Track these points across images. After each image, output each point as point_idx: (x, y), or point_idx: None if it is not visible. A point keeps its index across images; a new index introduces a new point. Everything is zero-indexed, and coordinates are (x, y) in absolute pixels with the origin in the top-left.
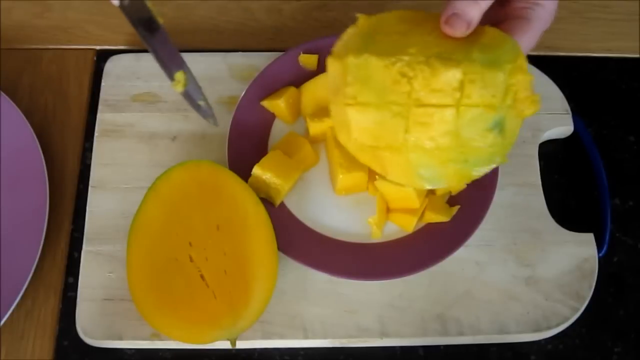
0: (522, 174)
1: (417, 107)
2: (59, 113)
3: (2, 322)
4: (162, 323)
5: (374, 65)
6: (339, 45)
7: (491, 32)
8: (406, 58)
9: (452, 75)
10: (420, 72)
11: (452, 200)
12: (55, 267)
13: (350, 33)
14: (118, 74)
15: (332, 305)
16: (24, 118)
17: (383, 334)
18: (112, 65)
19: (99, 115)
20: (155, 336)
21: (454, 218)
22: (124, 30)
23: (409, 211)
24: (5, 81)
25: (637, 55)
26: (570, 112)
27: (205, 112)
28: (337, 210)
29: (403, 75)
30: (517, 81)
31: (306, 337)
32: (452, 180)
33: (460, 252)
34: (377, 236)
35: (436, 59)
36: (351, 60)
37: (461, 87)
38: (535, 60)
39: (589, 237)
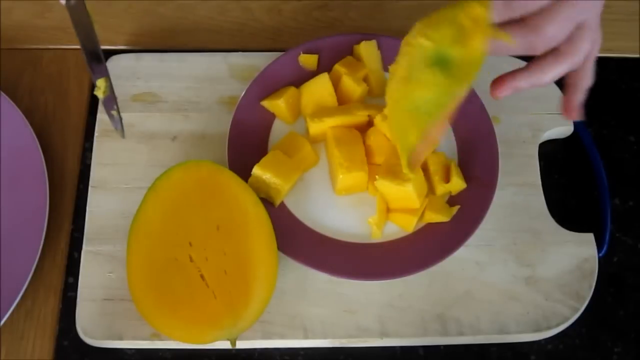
0: (522, 174)
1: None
2: (59, 113)
3: (2, 322)
4: (162, 323)
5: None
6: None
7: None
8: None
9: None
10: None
11: (452, 200)
12: (55, 267)
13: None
14: (118, 74)
15: (332, 305)
16: (24, 118)
17: (383, 334)
18: (112, 65)
19: (99, 115)
20: (155, 336)
21: (454, 218)
22: (124, 30)
23: (409, 211)
24: (5, 81)
25: (637, 55)
26: None
27: (115, 123)
28: (337, 210)
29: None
30: (470, 18)
31: (306, 337)
32: (410, 135)
33: (460, 252)
34: (377, 236)
35: None
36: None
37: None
38: None
39: (589, 237)
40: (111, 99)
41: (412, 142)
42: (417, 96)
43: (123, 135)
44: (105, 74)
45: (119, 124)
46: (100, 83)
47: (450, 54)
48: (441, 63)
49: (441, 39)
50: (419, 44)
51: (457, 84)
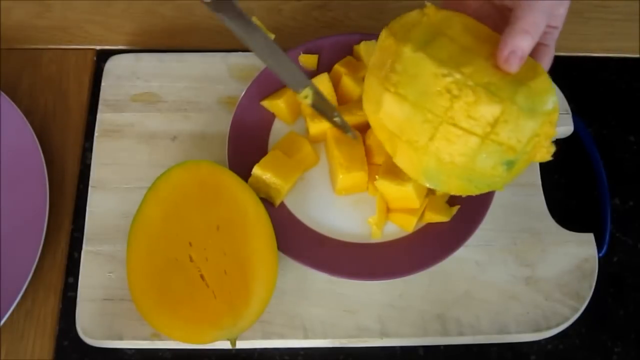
0: (522, 174)
1: (449, 125)
2: (59, 113)
3: (2, 322)
4: (162, 323)
5: (426, 68)
6: (400, 23)
7: (542, 77)
8: (457, 76)
9: (490, 110)
10: (464, 96)
11: (452, 200)
12: (55, 267)
13: (415, 18)
14: (118, 74)
15: (332, 305)
16: (24, 118)
17: (383, 334)
18: (112, 65)
19: (99, 115)
20: (155, 336)
21: (454, 218)
22: (124, 30)
23: (409, 211)
24: (5, 81)
25: (637, 55)
26: (570, 112)
27: (344, 127)
28: (337, 210)
29: (448, 91)
30: (543, 132)
31: (306, 337)
32: (450, 189)
33: (460, 252)
34: (377, 236)
35: (483, 90)
36: (407, 51)
37: (494, 123)
38: None
39: (589, 237)
40: (325, 104)
41: (446, 191)
42: (473, 176)
43: (354, 136)
44: (308, 83)
45: (347, 128)
46: (307, 92)
47: (518, 159)
48: (508, 164)
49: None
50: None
51: (515, 175)
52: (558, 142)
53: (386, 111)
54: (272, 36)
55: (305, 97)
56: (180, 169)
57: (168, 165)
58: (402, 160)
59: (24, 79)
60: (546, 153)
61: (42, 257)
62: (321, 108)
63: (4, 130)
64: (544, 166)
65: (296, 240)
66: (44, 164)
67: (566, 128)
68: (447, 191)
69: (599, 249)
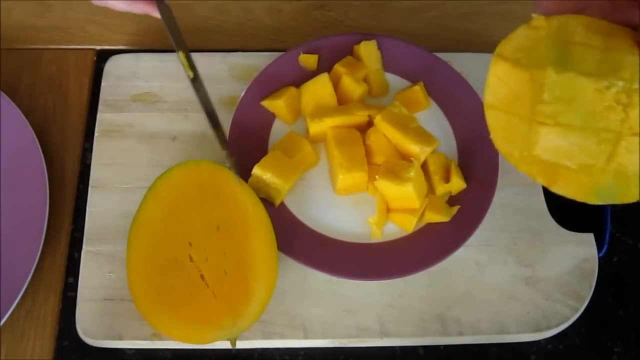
0: (522, 174)
1: (630, 136)
2: (59, 113)
3: (2, 322)
4: (162, 323)
5: (583, 86)
6: (512, 47)
7: None
8: (621, 84)
9: None
10: (637, 101)
11: (452, 200)
12: (55, 267)
13: (526, 35)
14: (118, 74)
15: (332, 305)
16: (24, 118)
17: (383, 334)
18: (112, 65)
19: (99, 115)
20: (155, 336)
21: (454, 218)
22: (124, 30)
23: (409, 211)
24: (5, 81)
25: None
26: None
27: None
28: (337, 210)
29: (618, 102)
30: None
31: (306, 337)
32: (626, 198)
33: (460, 252)
34: (377, 236)
35: None
36: (551, 75)
37: None
38: None
39: (589, 237)
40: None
41: (620, 202)
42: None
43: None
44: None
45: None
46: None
47: None
48: None
49: None
50: None
51: None
52: None
53: (545, 146)
54: (191, 74)
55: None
56: (180, 169)
57: (168, 165)
58: (566, 188)
59: (24, 79)
60: None
61: (42, 257)
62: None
63: (4, 130)
64: None
65: (296, 240)
66: (44, 164)
67: None
68: (621, 201)
69: (599, 249)
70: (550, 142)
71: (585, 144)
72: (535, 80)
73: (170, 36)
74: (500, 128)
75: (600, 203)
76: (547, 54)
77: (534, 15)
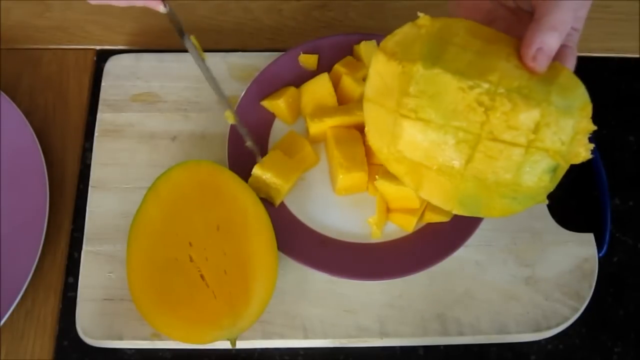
0: None
1: (489, 141)
2: (59, 113)
3: (2, 322)
4: (162, 323)
5: (448, 83)
6: (393, 42)
7: (565, 72)
8: (486, 85)
9: (530, 116)
10: (500, 105)
11: None
12: (55, 267)
13: (408, 32)
14: (118, 74)
15: (332, 305)
16: (24, 118)
17: (383, 334)
18: (112, 65)
19: (99, 115)
20: (155, 336)
21: (454, 218)
22: (124, 30)
23: (409, 211)
24: (5, 81)
25: (637, 55)
26: None
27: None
28: (337, 210)
29: (480, 103)
30: (582, 129)
31: (306, 337)
32: (492, 213)
33: (460, 252)
34: (377, 236)
35: (518, 95)
36: (419, 69)
37: (536, 129)
38: None
39: (589, 237)
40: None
41: (486, 215)
42: (518, 192)
43: (259, 159)
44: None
45: (256, 151)
46: (228, 114)
47: (561, 164)
48: (553, 171)
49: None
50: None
51: (556, 182)
52: None
53: (407, 141)
54: (205, 57)
55: (230, 117)
56: (180, 169)
57: (168, 165)
58: (431, 192)
59: (24, 79)
60: (585, 151)
61: (42, 257)
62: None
63: (4, 130)
64: None
65: (296, 240)
66: (44, 164)
67: None
68: (488, 215)
69: (599, 249)
70: (412, 137)
71: (444, 143)
72: (405, 73)
73: (176, 28)
74: (373, 121)
75: (466, 214)
76: (421, 50)
77: (419, 14)
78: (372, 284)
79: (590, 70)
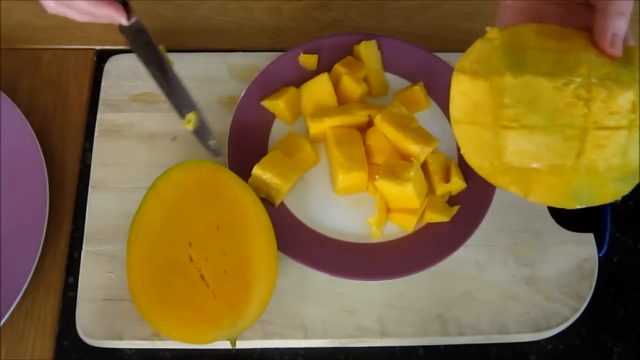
0: None
1: (596, 130)
2: (59, 113)
3: (2, 322)
4: (162, 323)
5: (542, 86)
6: (469, 61)
7: (635, 50)
8: (578, 79)
9: (627, 97)
10: (597, 94)
11: (452, 200)
12: (55, 267)
13: (481, 48)
14: (118, 74)
15: (332, 305)
16: (24, 118)
17: (383, 334)
18: (112, 65)
19: (99, 115)
20: (155, 336)
21: (454, 218)
22: None
23: (409, 211)
24: (5, 81)
25: None
26: None
27: (215, 151)
28: (337, 210)
29: (578, 97)
30: None
31: (306, 337)
32: (606, 198)
33: (460, 252)
34: (377, 236)
35: (610, 81)
36: (509, 80)
37: (634, 108)
38: None
39: (589, 237)
40: (204, 130)
41: (599, 202)
42: (627, 173)
43: (219, 155)
44: (194, 107)
45: (219, 152)
46: (191, 116)
47: None
48: None
49: None
50: None
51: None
52: None
53: (514, 150)
54: (172, 63)
55: (189, 122)
56: (180, 169)
57: (168, 165)
58: (541, 195)
59: (24, 79)
60: None
61: (42, 257)
62: (200, 133)
63: (4, 130)
64: None
65: (296, 240)
66: (44, 164)
67: None
68: (600, 202)
69: (599, 249)
70: (518, 146)
71: (552, 143)
72: (494, 87)
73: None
74: (469, 141)
75: (581, 206)
76: (503, 61)
77: (487, 28)
78: (372, 284)
79: None
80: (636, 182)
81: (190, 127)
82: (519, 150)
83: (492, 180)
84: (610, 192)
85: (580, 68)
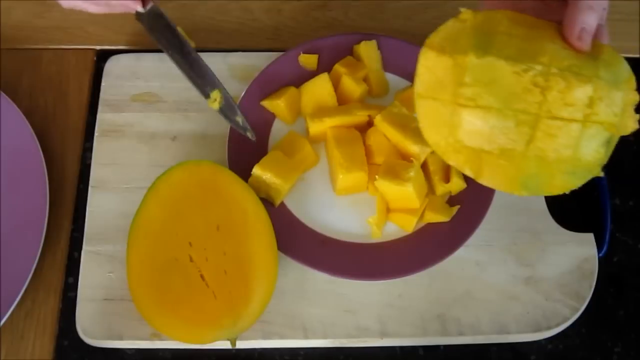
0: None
1: (548, 119)
2: (59, 113)
3: (2, 322)
4: (162, 323)
5: (502, 69)
6: (439, 38)
7: (606, 48)
8: (539, 67)
9: (584, 91)
10: (555, 84)
11: (452, 200)
12: (55, 267)
13: (452, 27)
14: (118, 74)
15: (332, 305)
16: (24, 118)
17: (383, 334)
18: (112, 65)
19: (99, 115)
20: (155, 336)
21: (454, 218)
22: (124, 30)
23: (409, 211)
24: (5, 81)
25: (637, 55)
26: None
27: (244, 127)
28: (337, 210)
29: (536, 84)
30: (630, 101)
31: (306, 337)
32: (553, 190)
33: (460, 252)
34: (377, 236)
35: (570, 73)
36: (472, 60)
37: (591, 103)
38: None
39: (589, 237)
40: (231, 107)
41: (547, 193)
42: (577, 167)
43: (253, 137)
44: (218, 86)
45: (247, 127)
46: (215, 95)
47: (613, 136)
48: (607, 143)
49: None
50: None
51: (609, 154)
52: None
53: (467, 129)
54: (193, 44)
55: (214, 101)
56: (180, 169)
57: (168, 165)
58: (492, 178)
59: (24, 79)
60: (634, 122)
61: (42, 257)
62: (226, 111)
63: (4, 130)
64: None
65: (296, 240)
66: (44, 164)
67: None
68: (549, 193)
69: (599, 249)
70: (472, 125)
71: (505, 126)
72: (457, 65)
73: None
74: (427, 116)
75: (528, 194)
76: (470, 41)
77: (461, 9)
78: (372, 284)
79: None
80: (588, 178)
81: (215, 106)
82: (472, 129)
83: (446, 158)
84: (559, 184)
85: (542, 57)
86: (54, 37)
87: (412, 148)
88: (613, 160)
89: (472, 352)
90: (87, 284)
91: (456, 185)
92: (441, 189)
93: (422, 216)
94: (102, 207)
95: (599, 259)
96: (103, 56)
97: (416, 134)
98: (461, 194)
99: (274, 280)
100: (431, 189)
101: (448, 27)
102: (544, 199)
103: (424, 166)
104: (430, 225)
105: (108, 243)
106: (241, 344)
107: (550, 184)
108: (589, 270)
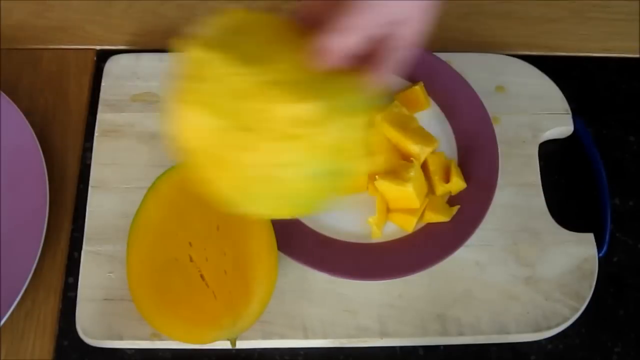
0: (522, 174)
1: (245, 131)
2: (59, 113)
3: (2, 322)
4: (162, 323)
5: (221, 69)
6: (209, 27)
7: (350, 77)
8: (261, 75)
9: (291, 109)
10: (273, 97)
11: (452, 200)
12: (55, 267)
13: (219, 19)
14: (118, 74)
15: (332, 305)
16: (24, 118)
17: (383, 334)
18: (112, 65)
19: (99, 115)
20: (155, 336)
21: (454, 218)
22: (124, 30)
23: (409, 211)
24: (5, 81)
25: (637, 55)
26: (570, 112)
27: None
28: (337, 210)
29: (246, 92)
30: (358, 137)
31: (306, 337)
32: (275, 211)
33: (460, 252)
34: (377, 236)
35: (288, 87)
36: (200, 53)
37: (313, 124)
38: (535, 60)
39: (589, 237)
40: None
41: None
42: (291, 194)
43: None
44: None
45: None
46: None
47: (331, 167)
48: (327, 174)
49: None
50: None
51: (337, 190)
52: (558, 142)
53: (185, 126)
54: None
55: None
56: (180, 169)
57: (168, 165)
58: (220, 184)
59: (24, 79)
60: (366, 161)
61: (42, 257)
62: None
63: (4, 130)
64: (544, 166)
65: (296, 240)
66: (44, 164)
67: (566, 128)
68: (271, 213)
69: (599, 249)
70: (187, 121)
71: (220, 128)
72: (192, 57)
73: None
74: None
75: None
76: (214, 35)
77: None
78: (372, 284)
79: (590, 70)
80: (305, 211)
81: None
82: (187, 125)
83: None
84: (271, 207)
85: (272, 64)
86: (54, 37)
87: (412, 148)
88: (613, 160)
89: (472, 352)
90: (87, 284)
91: (456, 185)
92: (441, 189)
93: (422, 216)
94: (102, 207)
95: (599, 259)
96: (103, 56)
97: (416, 134)
98: (461, 194)
99: (274, 280)
100: (431, 189)
101: (217, 20)
102: (544, 200)
103: (424, 166)
104: (430, 225)
105: (108, 243)
106: (241, 344)
107: (246, 195)
108: (589, 270)
